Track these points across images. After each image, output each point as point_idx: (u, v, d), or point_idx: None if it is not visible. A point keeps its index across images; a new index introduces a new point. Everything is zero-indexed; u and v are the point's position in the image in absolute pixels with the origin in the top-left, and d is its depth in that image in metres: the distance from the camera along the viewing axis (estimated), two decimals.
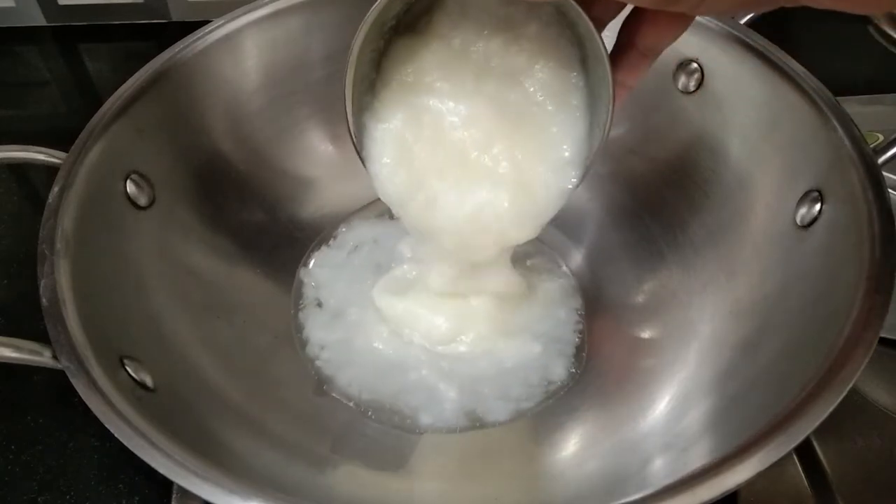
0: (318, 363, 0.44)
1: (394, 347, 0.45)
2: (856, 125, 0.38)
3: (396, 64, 0.36)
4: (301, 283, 0.48)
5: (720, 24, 0.44)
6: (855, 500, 0.37)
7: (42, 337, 0.32)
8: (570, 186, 0.37)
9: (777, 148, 0.42)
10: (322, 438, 0.40)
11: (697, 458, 0.33)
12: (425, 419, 0.41)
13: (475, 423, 0.41)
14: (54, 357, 0.31)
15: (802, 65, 0.41)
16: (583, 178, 0.36)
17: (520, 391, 0.43)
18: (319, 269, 0.49)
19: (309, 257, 0.50)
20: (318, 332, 0.46)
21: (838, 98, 0.39)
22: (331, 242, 0.50)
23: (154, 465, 0.28)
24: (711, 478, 0.27)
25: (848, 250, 0.35)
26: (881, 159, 0.37)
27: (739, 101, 0.43)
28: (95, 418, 0.29)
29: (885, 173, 0.36)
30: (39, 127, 0.63)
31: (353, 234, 0.51)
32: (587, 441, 0.40)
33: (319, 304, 0.47)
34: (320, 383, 0.43)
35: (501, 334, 0.45)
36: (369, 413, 0.42)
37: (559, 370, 0.44)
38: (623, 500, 0.27)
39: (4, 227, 0.54)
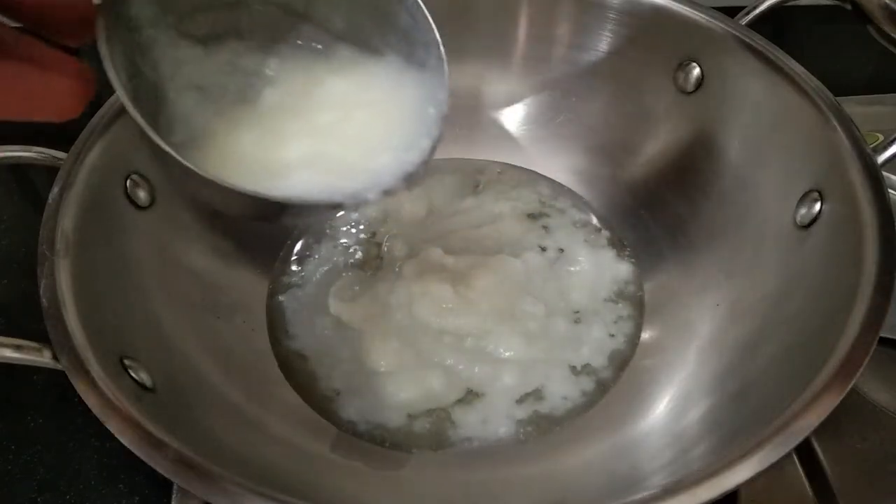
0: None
1: (338, 334, 0.45)
2: (856, 125, 0.38)
3: None
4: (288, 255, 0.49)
5: (720, 24, 0.44)
6: (855, 500, 0.37)
7: (42, 337, 0.32)
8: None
9: (777, 148, 0.42)
10: (322, 438, 0.40)
11: (697, 458, 0.33)
12: (342, 414, 0.41)
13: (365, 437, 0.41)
14: (54, 357, 0.31)
15: (802, 65, 0.41)
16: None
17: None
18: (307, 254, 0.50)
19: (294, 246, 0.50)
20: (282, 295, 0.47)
21: (838, 98, 0.39)
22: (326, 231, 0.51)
23: (154, 465, 0.28)
24: (711, 478, 0.27)
25: (848, 250, 0.35)
26: (881, 159, 0.37)
27: (739, 101, 0.43)
28: (95, 418, 0.29)
29: (885, 173, 0.36)
30: (39, 127, 0.63)
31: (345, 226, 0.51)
32: (587, 441, 0.40)
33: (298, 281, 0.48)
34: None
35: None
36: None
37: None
38: (623, 500, 0.27)
39: (4, 227, 0.54)
